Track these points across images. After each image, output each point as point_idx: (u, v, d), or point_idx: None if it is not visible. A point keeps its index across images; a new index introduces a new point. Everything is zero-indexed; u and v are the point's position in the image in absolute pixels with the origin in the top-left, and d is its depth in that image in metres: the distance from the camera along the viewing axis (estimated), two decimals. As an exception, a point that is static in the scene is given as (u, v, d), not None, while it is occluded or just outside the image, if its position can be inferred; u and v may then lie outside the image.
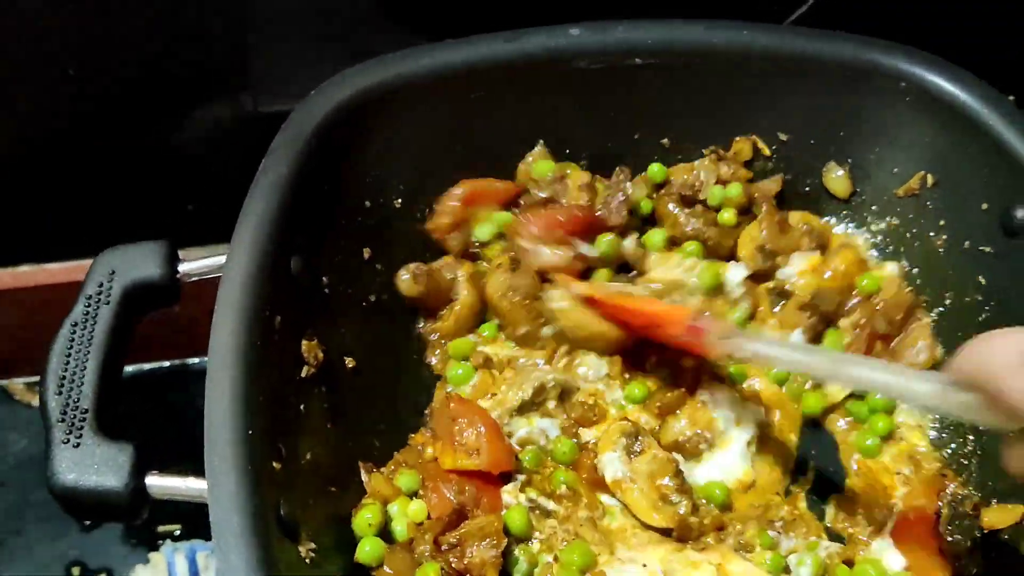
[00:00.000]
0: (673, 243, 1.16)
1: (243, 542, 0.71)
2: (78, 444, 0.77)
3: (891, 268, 1.15)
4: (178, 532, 1.56)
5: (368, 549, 0.86)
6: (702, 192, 1.15)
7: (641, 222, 1.17)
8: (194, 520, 1.59)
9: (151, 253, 0.89)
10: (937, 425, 1.08)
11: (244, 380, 0.80)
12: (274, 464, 0.80)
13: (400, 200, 1.09)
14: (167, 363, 1.64)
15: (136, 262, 0.88)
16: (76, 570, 1.53)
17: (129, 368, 1.49)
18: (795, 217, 1.17)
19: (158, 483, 0.78)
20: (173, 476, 0.78)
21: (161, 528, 1.57)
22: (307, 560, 0.80)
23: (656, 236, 1.15)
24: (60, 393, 0.79)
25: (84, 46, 1.27)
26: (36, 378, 1.72)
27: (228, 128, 1.45)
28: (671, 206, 1.15)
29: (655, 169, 1.17)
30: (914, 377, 0.76)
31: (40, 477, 1.61)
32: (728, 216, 1.15)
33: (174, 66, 1.35)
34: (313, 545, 0.81)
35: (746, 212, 1.17)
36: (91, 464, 0.76)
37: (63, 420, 0.78)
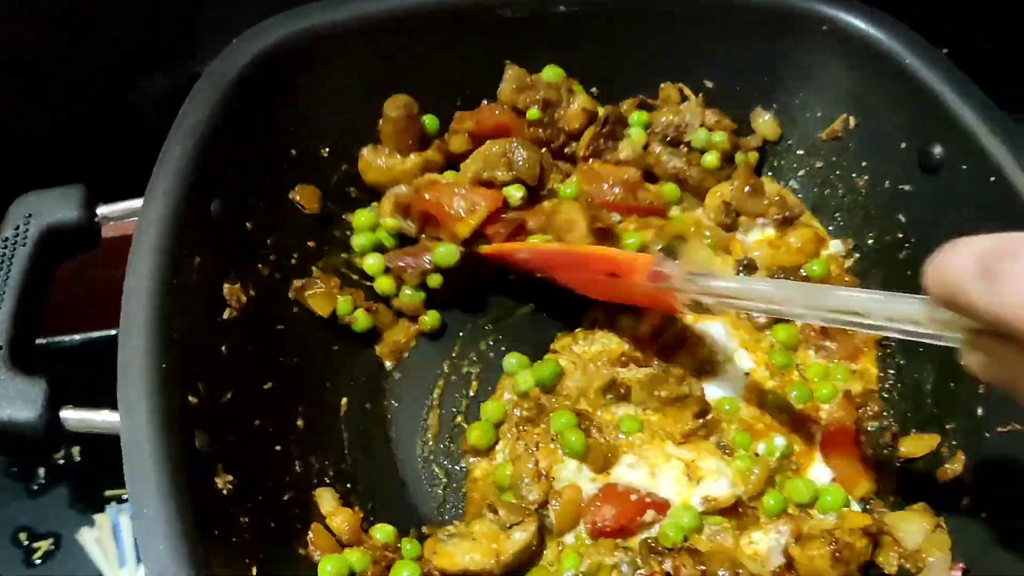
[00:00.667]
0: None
1: (154, 470, 0.72)
2: (-10, 379, 0.77)
3: (835, 245, 1.16)
4: (125, 496, 1.56)
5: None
6: (687, 134, 1.17)
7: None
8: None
9: (69, 196, 0.89)
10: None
11: (158, 316, 0.80)
12: (190, 398, 0.81)
13: (327, 149, 1.10)
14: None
15: (53, 205, 0.89)
16: (23, 535, 1.53)
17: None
18: (771, 188, 1.17)
19: (73, 416, 0.79)
20: (88, 409, 0.78)
21: (108, 492, 1.57)
22: (224, 491, 0.81)
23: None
24: (-26, 332, 0.79)
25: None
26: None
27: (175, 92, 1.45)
28: (655, 146, 1.16)
29: (636, 116, 1.18)
30: (897, 300, 0.72)
31: (-17, 447, 1.62)
32: (712, 159, 1.16)
33: (123, 28, 1.34)
34: (231, 478, 0.82)
35: (728, 162, 1.18)
36: (3, 397, 0.76)
37: (-25, 357, 0.78)
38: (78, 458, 1.60)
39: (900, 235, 1.09)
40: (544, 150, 1.14)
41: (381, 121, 1.10)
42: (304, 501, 0.91)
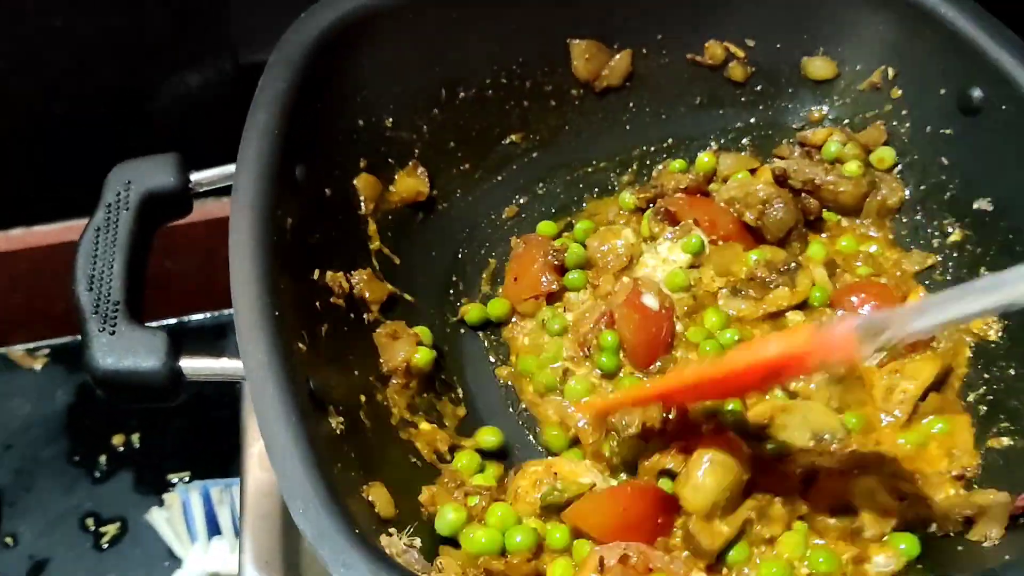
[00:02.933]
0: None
1: (280, 408, 0.76)
2: (113, 332, 0.81)
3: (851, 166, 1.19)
4: (187, 478, 1.60)
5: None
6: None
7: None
8: (203, 464, 1.63)
9: (164, 163, 0.93)
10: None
11: (265, 268, 0.85)
12: (300, 346, 0.85)
13: (391, 119, 1.14)
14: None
15: (150, 172, 0.93)
16: (90, 521, 1.57)
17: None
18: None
19: (193, 364, 0.82)
20: (207, 357, 0.82)
21: (170, 476, 1.62)
22: (338, 431, 0.85)
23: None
24: (91, 289, 0.83)
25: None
26: (35, 344, 1.75)
27: (210, 81, 1.50)
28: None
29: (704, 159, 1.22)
30: None
31: (47, 437, 1.66)
32: (854, 167, 1.16)
33: (157, 19, 1.39)
34: (342, 419, 0.86)
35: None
36: (128, 348, 0.80)
37: (96, 312, 0.82)
38: (138, 445, 1.65)
39: (944, 177, 1.14)
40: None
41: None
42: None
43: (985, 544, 0.87)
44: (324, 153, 1.04)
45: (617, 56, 1.23)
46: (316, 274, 0.97)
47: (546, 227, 1.19)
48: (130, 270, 0.85)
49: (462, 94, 1.19)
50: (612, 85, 1.24)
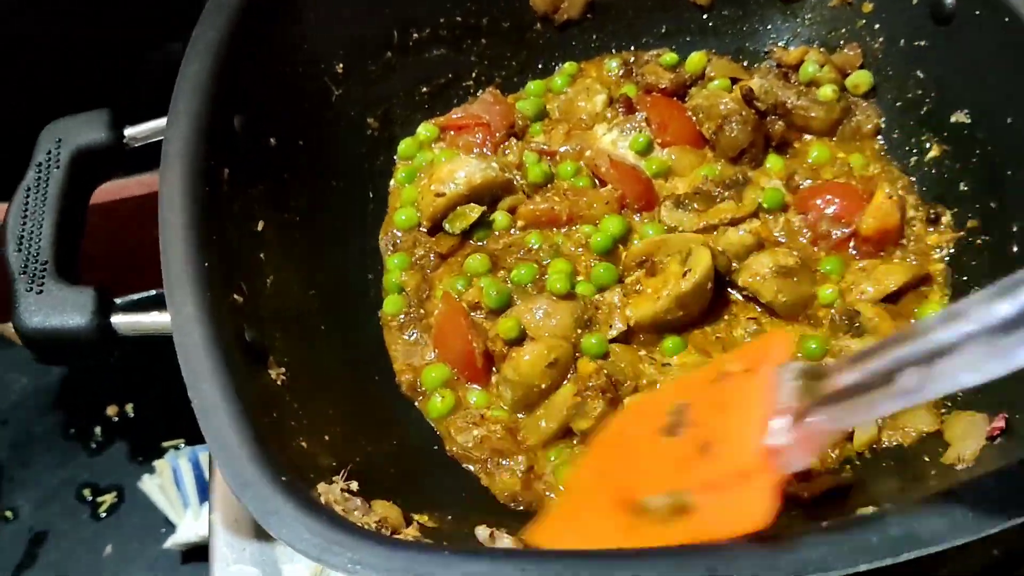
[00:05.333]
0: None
1: (206, 359, 0.74)
2: (40, 291, 0.79)
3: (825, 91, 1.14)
4: (181, 445, 1.60)
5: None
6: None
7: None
8: (198, 430, 1.63)
9: (95, 119, 0.91)
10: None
11: (195, 218, 0.82)
12: (235, 297, 0.83)
13: (341, 65, 1.11)
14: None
15: (82, 129, 0.90)
16: (87, 491, 1.58)
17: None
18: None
19: (124, 320, 0.81)
20: (137, 313, 0.80)
21: (165, 444, 1.61)
22: (278, 382, 0.83)
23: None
24: (20, 250, 0.82)
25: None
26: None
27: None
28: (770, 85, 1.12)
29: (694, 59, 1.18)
30: None
31: (41, 411, 1.67)
32: (829, 91, 1.12)
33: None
34: (284, 371, 0.84)
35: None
36: (55, 306, 0.79)
37: (24, 272, 0.80)
38: (132, 415, 1.64)
39: (920, 91, 1.09)
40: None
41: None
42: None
43: (959, 467, 0.83)
44: (267, 102, 1.01)
45: (575, -15, 1.19)
46: (260, 226, 0.94)
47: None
48: (60, 229, 0.84)
49: (416, 35, 1.16)
50: (572, 17, 1.21)
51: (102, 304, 0.80)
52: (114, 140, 0.91)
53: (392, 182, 1.14)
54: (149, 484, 1.52)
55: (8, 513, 1.56)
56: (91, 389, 1.66)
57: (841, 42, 1.16)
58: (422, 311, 1.02)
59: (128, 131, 0.93)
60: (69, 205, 0.86)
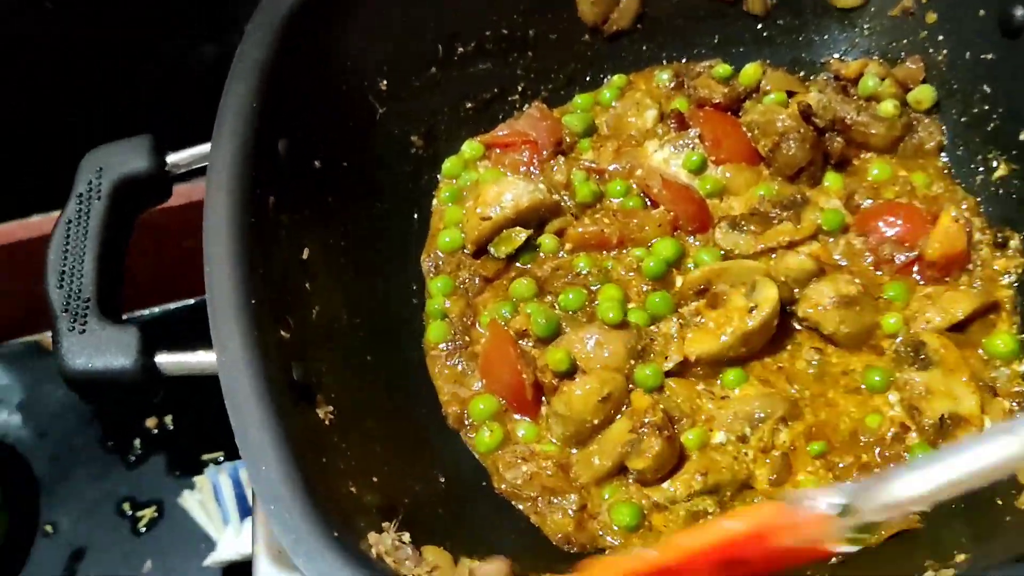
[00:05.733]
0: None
1: (255, 403, 0.72)
2: (84, 330, 0.77)
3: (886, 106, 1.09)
4: (221, 458, 1.59)
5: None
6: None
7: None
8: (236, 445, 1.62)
9: (137, 147, 0.89)
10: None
11: (241, 252, 0.80)
12: (282, 333, 0.80)
13: (385, 82, 1.08)
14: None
15: (123, 157, 0.88)
16: (127, 505, 1.57)
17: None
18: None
19: (169, 360, 0.78)
20: (183, 352, 0.78)
21: (205, 456, 1.60)
22: (326, 422, 0.80)
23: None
24: (61, 286, 0.79)
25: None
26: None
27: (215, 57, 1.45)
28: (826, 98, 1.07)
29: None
30: None
31: (80, 423, 1.66)
32: (889, 107, 1.07)
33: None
34: (332, 408, 0.81)
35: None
36: (99, 347, 0.77)
37: (67, 311, 0.78)
38: (171, 427, 1.63)
39: (986, 107, 1.04)
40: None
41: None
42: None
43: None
44: (311, 124, 0.98)
45: (625, -3, 1.15)
46: (306, 253, 0.92)
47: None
48: (102, 264, 0.82)
49: (461, 49, 1.12)
50: (622, 28, 1.17)
51: (146, 344, 0.77)
52: (157, 167, 0.89)
53: (435, 202, 1.11)
54: (189, 500, 1.50)
55: (48, 527, 1.56)
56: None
57: (902, 54, 1.11)
58: (467, 338, 0.99)
59: (171, 158, 0.90)
60: (111, 237, 0.84)
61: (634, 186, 1.07)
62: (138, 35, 1.39)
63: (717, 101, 1.11)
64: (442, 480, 0.89)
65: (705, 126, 1.09)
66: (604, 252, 1.03)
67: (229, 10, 1.33)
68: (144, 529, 1.54)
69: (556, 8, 1.14)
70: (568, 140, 1.12)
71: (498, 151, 1.12)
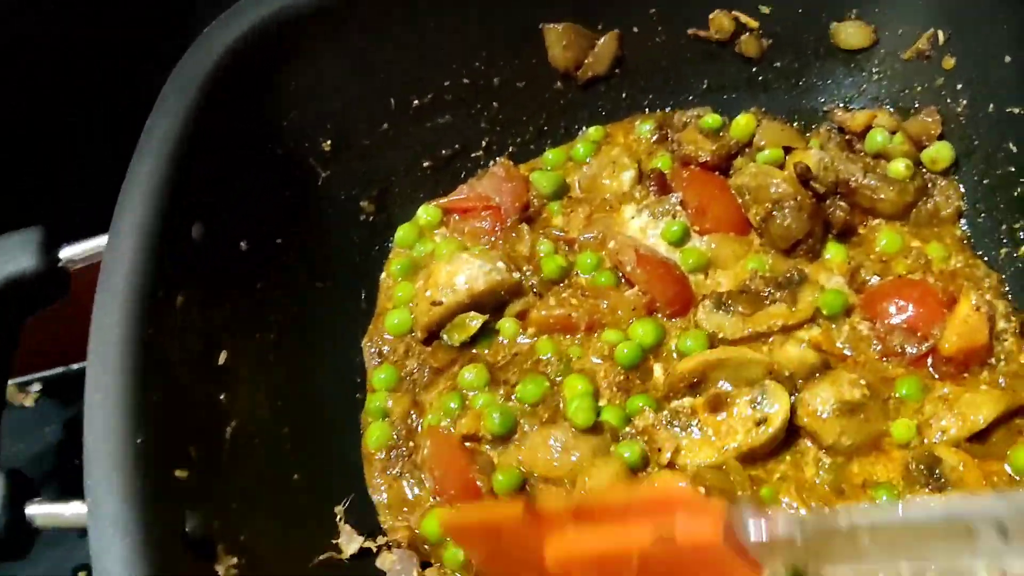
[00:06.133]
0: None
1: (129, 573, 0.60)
2: (-57, 477, 0.66)
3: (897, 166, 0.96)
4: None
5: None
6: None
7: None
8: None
9: (24, 242, 0.77)
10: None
11: (132, 379, 0.68)
12: (177, 473, 0.69)
13: (328, 143, 0.96)
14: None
15: (8, 255, 0.77)
16: (82, 574, 1.47)
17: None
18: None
19: (41, 511, 0.68)
20: (56, 503, 0.67)
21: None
22: (229, 578, 0.69)
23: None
24: (-77, 419, 0.68)
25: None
26: (27, 378, 1.64)
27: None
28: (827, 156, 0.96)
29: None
30: None
31: (40, 478, 1.55)
32: (901, 168, 0.95)
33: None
34: (235, 560, 0.70)
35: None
36: (-43, 499, 0.65)
37: (-73, 451, 0.67)
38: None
39: (1011, 168, 0.91)
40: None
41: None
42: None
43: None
44: (237, 199, 0.86)
45: (602, 40, 1.02)
46: (223, 358, 0.80)
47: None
48: (-27, 390, 0.70)
49: (416, 101, 1.00)
50: (598, 74, 1.04)
51: (15, 494, 0.66)
52: (48, 265, 0.77)
53: (384, 275, 0.99)
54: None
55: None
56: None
57: (916, 103, 0.98)
58: (411, 444, 0.87)
59: (64, 252, 0.79)
60: (-11, 353, 0.72)
61: (606, 259, 0.95)
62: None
63: (704, 160, 0.98)
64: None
65: (689, 190, 0.96)
66: (570, 336, 0.91)
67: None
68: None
69: (523, 54, 1.01)
70: (536, 203, 1.00)
71: (457, 217, 1.00)
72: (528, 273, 0.95)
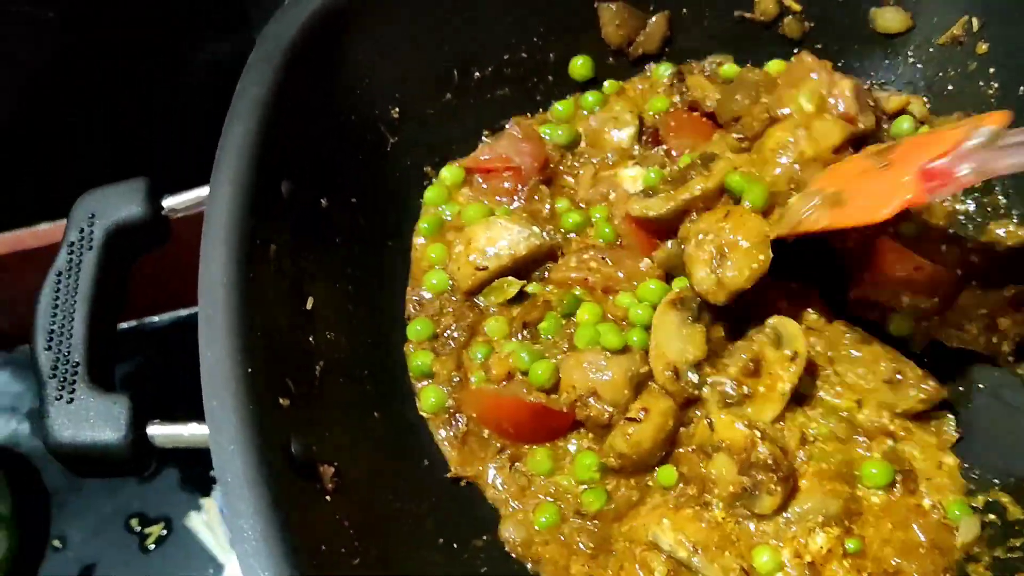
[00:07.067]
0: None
1: (248, 485, 0.67)
2: (71, 399, 0.73)
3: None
4: (230, 477, 1.54)
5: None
6: None
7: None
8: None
9: (132, 191, 0.84)
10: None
11: (239, 316, 0.75)
12: (280, 400, 0.76)
13: (397, 110, 1.02)
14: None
15: (117, 202, 0.83)
16: (135, 521, 1.54)
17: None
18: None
19: (161, 432, 0.74)
20: (175, 424, 0.74)
21: (214, 473, 1.55)
22: (327, 498, 0.76)
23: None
24: (49, 348, 0.75)
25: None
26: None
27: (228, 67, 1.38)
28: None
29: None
30: None
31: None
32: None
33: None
34: (336, 478, 0.77)
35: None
36: (87, 419, 0.72)
37: (54, 376, 0.74)
38: (182, 440, 1.58)
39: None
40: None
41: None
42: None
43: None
44: (317, 160, 0.93)
45: (652, 19, 1.08)
46: (310, 303, 0.87)
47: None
48: (94, 324, 0.77)
49: (477, 74, 1.06)
50: (648, 52, 1.10)
51: (137, 416, 0.73)
52: (153, 213, 0.84)
53: (418, 238, 1.04)
54: (196, 521, 1.47)
55: (56, 542, 1.52)
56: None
57: (949, 87, 1.04)
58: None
59: (167, 202, 0.85)
60: (103, 293, 0.79)
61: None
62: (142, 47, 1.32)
63: (710, 108, 1.02)
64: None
65: (674, 138, 1.01)
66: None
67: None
68: (152, 547, 1.50)
69: (578, 31, 1.07)
70: (554, 159, 1.05)
71: (480, 179, 1.05)
72: (549, 232, 0.99)
